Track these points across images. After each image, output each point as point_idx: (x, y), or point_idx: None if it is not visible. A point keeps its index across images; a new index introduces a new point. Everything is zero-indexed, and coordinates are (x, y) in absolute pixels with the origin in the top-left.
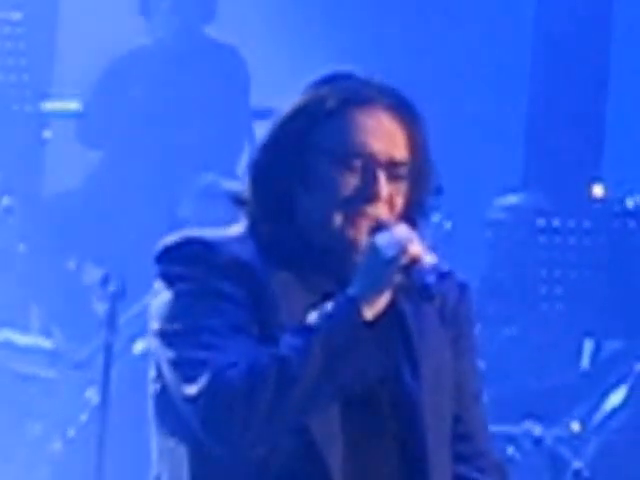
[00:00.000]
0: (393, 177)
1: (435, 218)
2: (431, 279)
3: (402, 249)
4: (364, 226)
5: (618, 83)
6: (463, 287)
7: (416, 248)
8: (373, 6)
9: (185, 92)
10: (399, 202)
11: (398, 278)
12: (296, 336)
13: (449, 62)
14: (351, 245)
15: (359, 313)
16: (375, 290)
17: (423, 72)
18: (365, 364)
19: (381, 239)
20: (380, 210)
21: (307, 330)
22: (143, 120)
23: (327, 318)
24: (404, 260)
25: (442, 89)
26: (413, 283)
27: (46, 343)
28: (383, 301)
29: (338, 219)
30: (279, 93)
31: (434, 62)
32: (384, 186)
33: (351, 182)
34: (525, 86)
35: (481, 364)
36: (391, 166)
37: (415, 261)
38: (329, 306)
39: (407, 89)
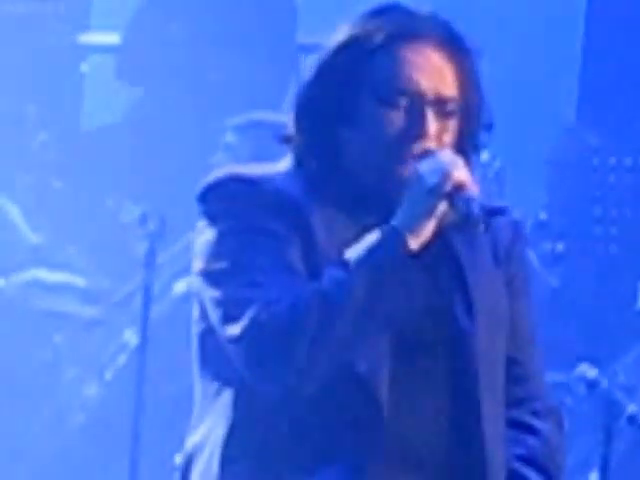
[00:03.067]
0: (442, 114)
1: (484, 156)
2: (476, 206)
3: (446, 175)
4: (412, 163)
5: None
6: (517, 226)
7: (461, 174)
8: None
9: (228, 26)
10: (448, 140)
11: (443, 206)
12: (339, 269)
13: None
14: (399, 185)
15: (403, 243)
16: (419, 219)
17: (477, 6)
18: (413, 298)
19: (424, 166)
20: (428, 145)
21: (350, 263)
22: (184, 56)
23: (370, 249)
24: (448, 186)
25: (497, 24)
26: (458, 210)
27: (79, 281)
28: (428, 231)
29: (385, 157)
30: (327, 28)
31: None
32: (432, 124)
33: (398, 120)
34: (581, 20)
35: (553, 281)
36: (439, 103)
37: (460, 187)
38: (372, 237)
39: (458, 21)
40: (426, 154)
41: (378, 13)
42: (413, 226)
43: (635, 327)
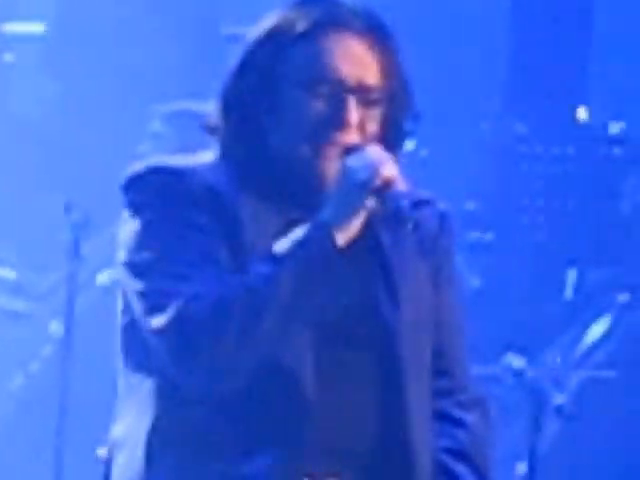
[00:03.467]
0: (365, 103)
1: (410, 145)
2: (405, 202)
3: (374, 171)
4: (334, 154)
5: (603, 6)
6: (443, 217)
7: (389, 170)
8: None
9: (153, 17)
10: (372, 129)
11: (371, 202)
12: (266, 264)
13: None
14: (321, 174)
15: (331, 239)
16: (347, 214)
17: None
18: (339, 293)
19: (352, 161)
20: (351, 137)
21: (277, 257)
22: (108, 45)
23: (298, 244)
24: (377, 182)
25: (426, 15)
26: (386, 206)
27: (10, 274)
28: (356, 226)
29: (307, 148)
30: (252, 18)
31: None
32: (354, 112)
33: (320, 108)
34: (508, 8)
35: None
36: (362, 91)
37: (388, 184)
38: (300, 232)
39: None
40: (354, 149)
41: (301, 3)
42: (341, 221)
43: (564, 316)
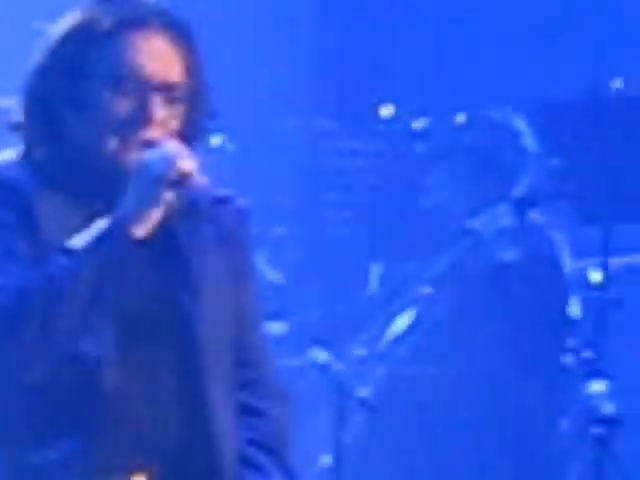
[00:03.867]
0: (169, 100)
1: (218, 140)
2: (201, 196)
3: (171, 165)
4: (138, 150)
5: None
6: (242, 212)
7: (186, 164)
8: None
9: None
10: (174, 125)
11: (168, 196)
12: (65, 255)
13: None
14: (124, 169)
15: (128, 231)
16: (144, 207)
17: None
18: (138, 286)
19: (150, 155)
20: (154, 133)
21: (75, 249)
22: None
23: (96, 237)
24: (173, 176)
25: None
26: (182, 199)
27: None
28: (154, 219)
29: (111, 143)
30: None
31: None
32: (158, 109)
33: (124, 106)
34: (312, 8)
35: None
36: (166, 88)
37: (185, 177)
38: (98, 225)
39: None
40: (152, 143)
41: (104, 1)
42: (138, 215)
43: (369, 310)
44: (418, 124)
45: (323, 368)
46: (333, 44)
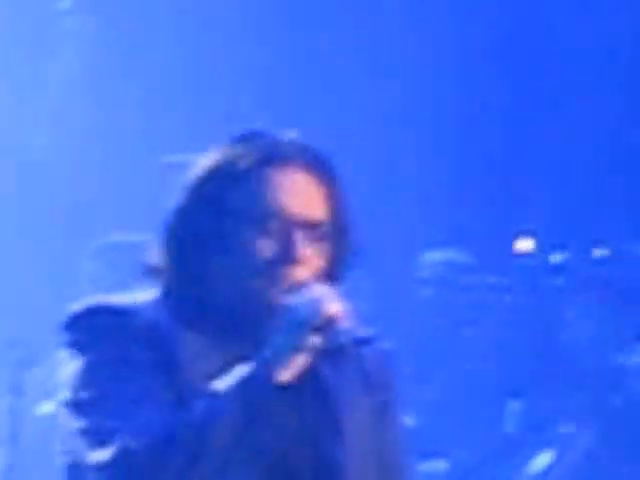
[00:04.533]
0: (312, 238)
1: (357, 275)
2: (346, 339)
3: (318, 309)
4: (284, 290)
5: (543, 131)
6: (384, 355)
7: (332, 308)
8: None
9: None
10: (320, 263)
11: (314, 340)
12: (208, 401)
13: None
14: (269, 309)
15: (273, 375)
16: (289, 351)
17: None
18: (281, 428)
19: (296, 299)
20: (300, 272)
21: (220, 394)
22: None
23: (240, 382)
24: (320, 320)
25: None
26: (328, 344)
27: None
28: (300, 363)
29: (256, 284)
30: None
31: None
32: (302, 248)
33: (268, 245)
34: (448, 135)
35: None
36: (309, 227)
37: (331, 322)
38: (243, 369)
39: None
40: (298, 285)
41: (244, 139)
42: (283, 358)
43: (504, 448)
44: (556, 257)
45: None
46: (471, 171)
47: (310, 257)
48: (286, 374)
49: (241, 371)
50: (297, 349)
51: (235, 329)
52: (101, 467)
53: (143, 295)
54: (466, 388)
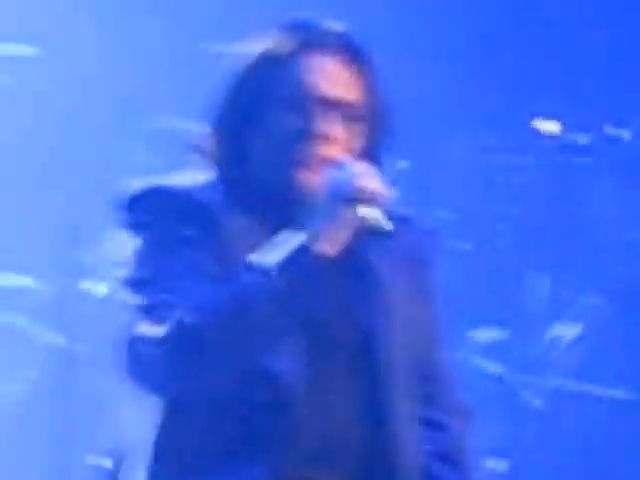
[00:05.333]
0: (347, 118)
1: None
2: (386, 213)
3: (357, 183)
4: (319, 168)
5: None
6: (430, 233)
7: (372, 183)
8: None
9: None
10: (356, 143)
11: (355, 214)
12: (255, 272)
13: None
14: (307, 187)
15: (317, 249)
16: (332, 226)
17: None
18: (327, 303)
19: (336, 174)
20: (333, 150)
21: (266, 266)
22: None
23: (287, 255)
24: (360, 194)
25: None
26: (370, 218)
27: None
28: (342, 237)
29: (292, 163)
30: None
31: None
32: (334, 127)
33: (302, 125)
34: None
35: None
36: (343, 107)
37: (372, 197)
38: (289, 243)
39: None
40: (336, 163)
41: (284, 27)
42: (326, 233)
43: (533, 320)
44: (581, 138)
45: (498, 379)
46: (500, 54)
47: (342, 136)
48: (330, 248)
49: (284, 243)
50: (339, 223)
51: (277, 207)
52: (159, 342)
53: (196, 177)
54: (498, 263)
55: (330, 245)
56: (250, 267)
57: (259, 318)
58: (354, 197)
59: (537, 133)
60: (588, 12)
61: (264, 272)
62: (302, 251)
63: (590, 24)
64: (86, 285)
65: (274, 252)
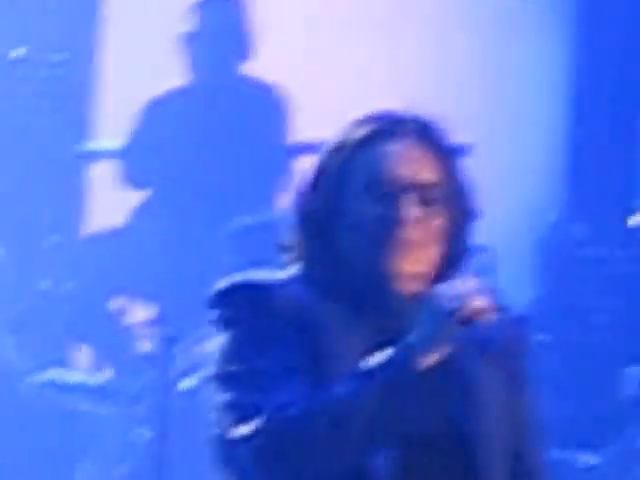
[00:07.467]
0: (424, 200)
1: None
2: (493, 334)
3: (465, 302)
4: (398, 251)
5: None
6: (519, 322)
7: (480, 301)
8: None
9: (220, 131)
10: (435, 225)
11: (459, 332)
12: (351, 381)
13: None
14: (391, 273)
15: (416, 362)
16: (434, 342)
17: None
18: (422, 411)
19: (443, 289)
20: (411, 234)
21: (363, 376)
22: (181, 161)
23: (384, 365)
24: (467, 313)
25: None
26: (474, 338)
27: (93, 379)
28: (443, 351)
29: (372, 249)
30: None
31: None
32: (410, 208)
33: (378, 210)
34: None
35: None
36: (419, 189)
37: (478, 315)
38: (387, 353)
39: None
40: (445, 278)
41: (362, 119)
42: (428, 347)
43: (623, 413)
44: None
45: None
46: (587, 150)
47: (420, 219)
48: (429, 361)
49: (385, 355)
50: (443, 340)
51: (366, 297)
52: (245, 440)
53: (283, 273)
54: (590, 356)
55: (429, 359)
56: (350, 376)
57: (353, 427)
58: (464, 313)
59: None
60: None
61: (361, 381)
62: (400, 362)
63: None
64: (179, 381)
65: (376, 363)
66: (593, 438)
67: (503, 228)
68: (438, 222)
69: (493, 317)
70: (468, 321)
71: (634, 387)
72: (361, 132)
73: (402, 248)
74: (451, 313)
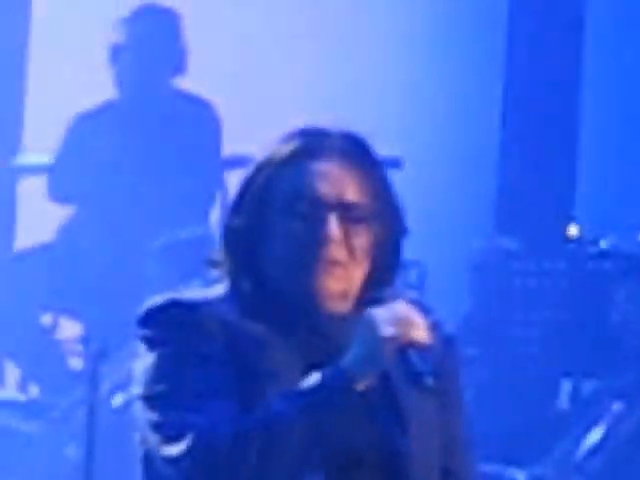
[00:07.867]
0: (347, 219)
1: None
2: (428, 367)
3: (403, 329)
4: (322, 270)
5: (592, 119)
6: (449, 340)
7: (418, 331)
8: None
9: (151, 146)
10: (360, 244)
11: (393, 357)
12: (282, 402)
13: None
14: (314, 291)
15: (350, 386)
16: (368, 366)
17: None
18: (353, 432)
19: (381, 314)
20: (334, 252)
21: (295, 397)
22: (111, 176)
23: (316, 388)
24: (403, 340)
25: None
26: (408, 366)
27: (22, 396)
28: (375, 376)
29: (295, 267)
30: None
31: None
32: (333, 227)
33: (301, 228)
34: (496, 124)
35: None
36: (343, 208)
37: (414, 344)
38: (319, 375)
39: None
40: (380, 301)
41: (288, 135)
42: (362, 371)
43: (556, 426)
44: (604, 243)
45: None
46: (517, 167)
47: (343, 237)
48: (361, 385)
49: (318, 377)
50: (376, 365)
51: (291, 315)
52: (173, 460)
53: (212, 290)
54: (520, 369)
55: (363, 382)
56: (280, 397)
57: (283, 449)
58: (400, 341)
59: (562, 237)
60: None
61: (291, 403)
62: (334, 385)
63: None
64: (109, 397)
65: (304, 386)
66: (523, 453)
67: (431, 242)
68: (363, 240)
69: (429, 345)
70: (404, 349)
71: (565, 401)
72: (286, 149)
73: (326, 266)
74: (387, 339)
